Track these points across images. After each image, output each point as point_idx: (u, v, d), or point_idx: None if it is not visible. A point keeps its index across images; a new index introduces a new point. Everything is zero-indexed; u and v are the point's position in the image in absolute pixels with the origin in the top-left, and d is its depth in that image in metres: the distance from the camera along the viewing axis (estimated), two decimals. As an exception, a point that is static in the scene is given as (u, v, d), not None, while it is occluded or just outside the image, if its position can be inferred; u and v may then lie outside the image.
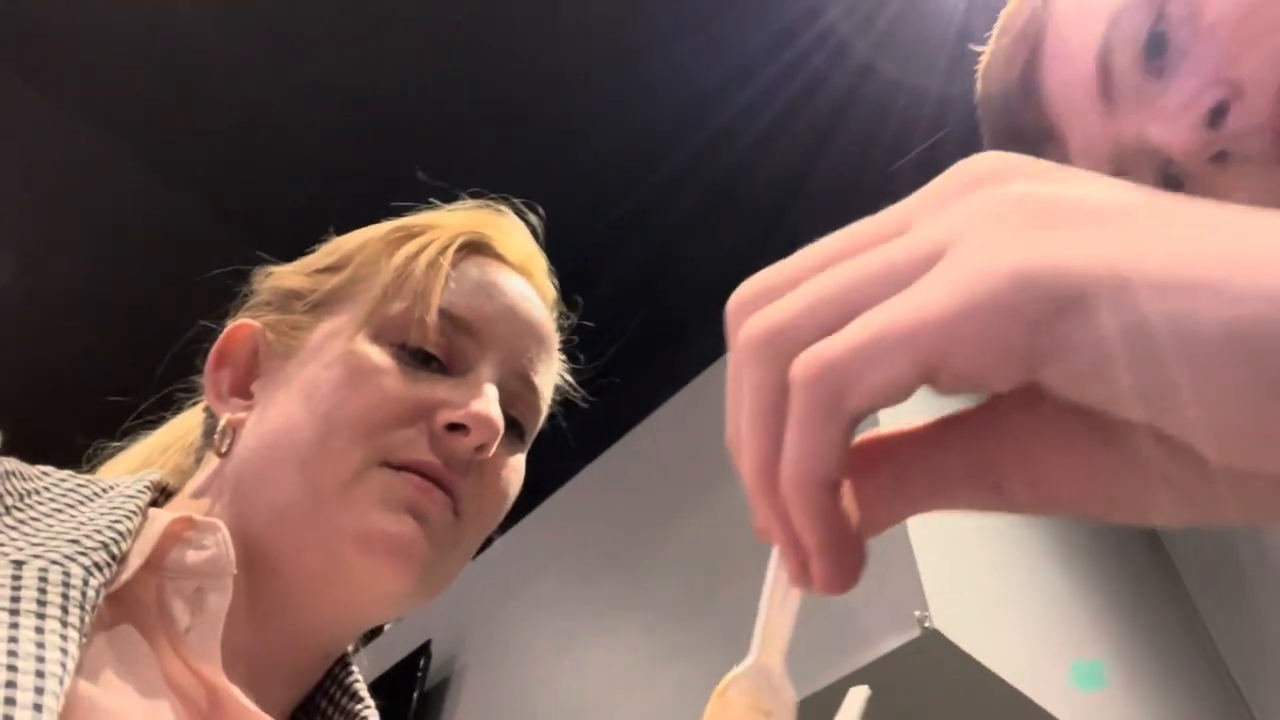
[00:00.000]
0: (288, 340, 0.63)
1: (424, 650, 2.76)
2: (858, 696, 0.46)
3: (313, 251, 0.70)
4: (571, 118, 2.83)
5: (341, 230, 0.71)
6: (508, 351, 0.63)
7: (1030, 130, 0.71)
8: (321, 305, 0.64)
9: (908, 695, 1.92)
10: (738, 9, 2.57)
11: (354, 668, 0.65)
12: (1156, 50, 0.61)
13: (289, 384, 0.60)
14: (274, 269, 0.69)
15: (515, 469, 0.64)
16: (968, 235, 0.24)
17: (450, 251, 0.63)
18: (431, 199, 0.72)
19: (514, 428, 0.64)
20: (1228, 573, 3.02)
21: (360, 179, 2.48)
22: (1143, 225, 0.23)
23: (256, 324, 0.65)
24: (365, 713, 0.63)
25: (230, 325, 0.66)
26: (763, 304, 0.27)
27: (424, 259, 0.62)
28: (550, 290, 0.70)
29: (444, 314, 0.61)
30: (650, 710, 2.11)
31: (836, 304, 0.25)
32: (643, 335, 3.19)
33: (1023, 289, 0.22)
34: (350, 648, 0.68)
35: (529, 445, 0.67)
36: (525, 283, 0.67)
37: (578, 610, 2.59)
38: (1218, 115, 0.59)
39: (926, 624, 1.79)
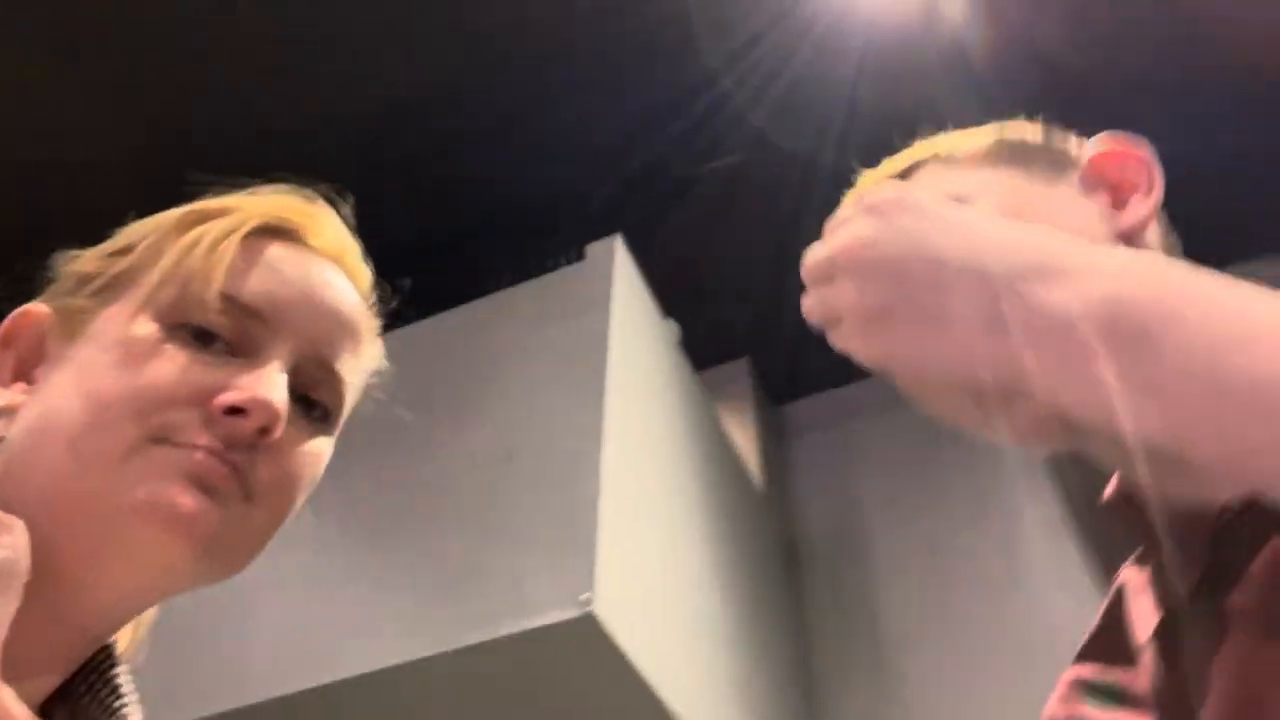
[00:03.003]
0: (71, 325, 0.61)
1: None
2: None
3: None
4: (469, 171, 2.83)
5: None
6: (303, 337, 0.61)
7: None
8: (106, 289, 0.62)
9: (551, 671, 1.99)
10: (631, 72, 2.64)
11: (117, 658, 0.61)
12: None
13: (64, 368, 0.59)
14: (76, 253, 0.66)
15: (312, 453, 0.63)
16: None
17: (238, 234, 0.62)
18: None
19: (313, 410, 0.63)
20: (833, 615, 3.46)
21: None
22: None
23: (45, 309, 0.63)
24: (124, 710, 0.60)
25: (18, 310, 0.63)
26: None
27: (207, 242, 0.61)
28: (364, 276, 0.69)
29: (228, 298, 0.59)
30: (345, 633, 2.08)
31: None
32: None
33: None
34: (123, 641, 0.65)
35: (336, 429, 0.66)
36: (332, 268, 0.66)
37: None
38: None
39: (587, 607, 1.86)
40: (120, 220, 0.66)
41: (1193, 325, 0.40)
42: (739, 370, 4.01)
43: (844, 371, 4.29)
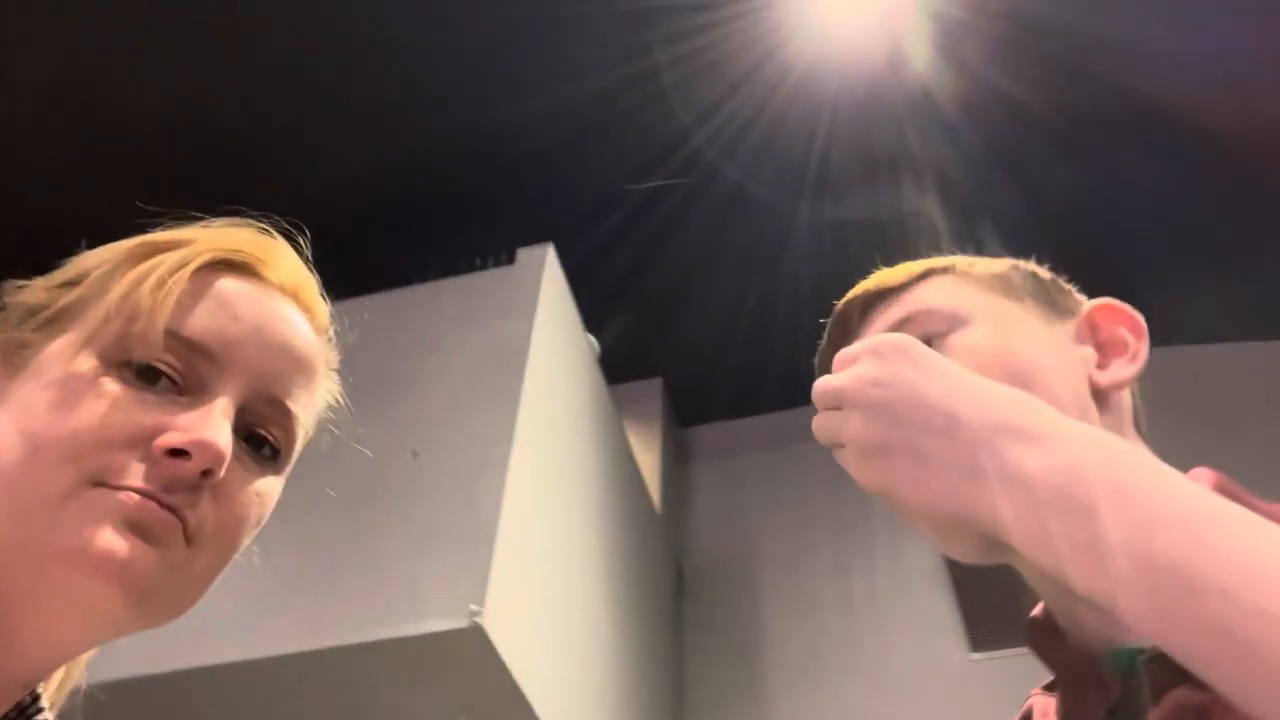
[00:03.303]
0: (15, 359, 0.57)
1: None
2: None
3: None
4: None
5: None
6: (253, 373, 0.59)
7: None
8: (53, 322, 0.58)
9: (432, 676, 1.96)
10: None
11: (43, 703, 0.57)
12: None
13: (7, 405, 0.55)
14: (23, 283, 0.61)
15: (259, 493, 0.60)
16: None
17: (188, 269, 0.59)
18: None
19: (262, 448, 0.60)
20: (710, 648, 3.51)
21: None
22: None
23: None
24: None
25: None
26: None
27: (155, 276, 0.58)
28: (321, 313, 0.66)
29: (173, 335, 0.56)
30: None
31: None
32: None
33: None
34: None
35: (287, 468, 0.64)
36: (288, 303, 0.63)
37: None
38: None
39: (476, 619, 1.84)
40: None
41: (1131, 504, 0.47)
42: (651, 389, 4.03)
43: (753, 402, 4.37)
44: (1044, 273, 0.77)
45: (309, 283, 0.65)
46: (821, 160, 3.05)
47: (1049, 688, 0.70)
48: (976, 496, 0.51)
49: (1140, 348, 0.70)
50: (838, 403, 0.58)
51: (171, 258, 0.59)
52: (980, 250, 0.86)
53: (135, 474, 0.52)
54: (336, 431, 0.69)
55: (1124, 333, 0.71)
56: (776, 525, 3.98)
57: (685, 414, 4.32)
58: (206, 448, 0.53)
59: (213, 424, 0.54)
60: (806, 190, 3.12)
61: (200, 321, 0.58)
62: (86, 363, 0.55)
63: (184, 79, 2.82)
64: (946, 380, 0.55)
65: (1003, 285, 0.74)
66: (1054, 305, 0.74)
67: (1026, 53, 2.89)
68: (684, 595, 3.79)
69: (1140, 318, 0.72)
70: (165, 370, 0.56)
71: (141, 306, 0.56)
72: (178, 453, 0.53)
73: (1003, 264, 0.78)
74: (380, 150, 3.08)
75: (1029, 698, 0.72)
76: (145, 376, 0.55)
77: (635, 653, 2.96)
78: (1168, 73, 2.88)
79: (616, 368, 3.43)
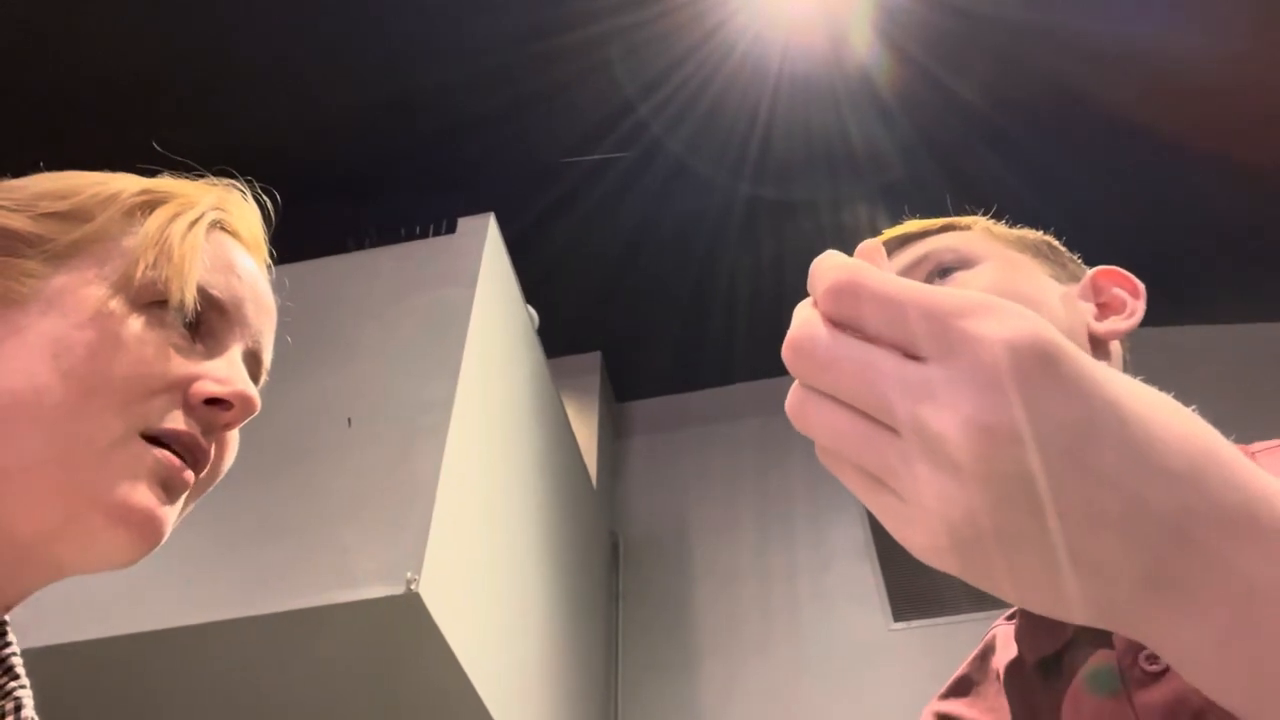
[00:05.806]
0: (16, 287, 0.57)
1: None
2: None
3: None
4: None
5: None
6: (249, 332, 0.64)
7: None
8: (60, 256, 0.59)
9: (369, 643, 1.96)
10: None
11: (11, 639, 0.59)
12: None
13: (21, 335, 0.56)
14: None
15: (235, 442, 0.64)
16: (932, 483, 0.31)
17: (202, 225, 0.63)
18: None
19: None
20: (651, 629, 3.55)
21: None
22: None
23: None
24: (18, 691, 0.59)
25: None
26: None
27: (178, 229, 0.61)
28: (268, 267, 0.70)
29: (200, 291, 0.60)
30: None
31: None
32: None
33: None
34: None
35: None
36: (259, 262, 0.68)
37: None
38: None
39: (412, 586, 1.84)
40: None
41: None
42: (590, 363, 4.04)
43: (689, 379, 4.41)
44: (1056, 242, 0.83)
45: (263, 238, 0.69)
46: (763, 139, 3.07)
47: (1011, 616, 0.76)
48: (1141, 612, 0.31)
49: (1137, 306, 0.77)
50: (912, 424, 0.32)
51: (182, 209, 0.62)
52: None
53: (176, 418, 0.56)
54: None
55: (1122, 293, 0.77)
56: (710, 500, 4.03)
57: (622, 389, 4.34)
58: (248, 401, 0.58)
59: (245, 377, 0.59)
60: (747, 169, 3.14)
61: (216, 278, 0.61)
62: (120, 306, 0.57)
63: (106, 27, 2.73)
64: (1120, 423, 0.30)
65: (1017, 242, 0.81)
66: (1063, 268, 0.81)
67: (966, 44, 2.94)
68: (618, 567, 3.83)
69: (1139, 282, 0.78)
70: (189, 319, 0.59)
71: (175, 258, 0.59)
72: (215, 401, 0.57)
73: (1028, 231, 0.83)
74: (314, 113, 3.03)
75: (991, 629, 0.78)
76: (173, 328, 0.58)
77: (570, 623, 2.98)
78: (1108, 74, 2.95)
79: (555, 341, 3.43)
